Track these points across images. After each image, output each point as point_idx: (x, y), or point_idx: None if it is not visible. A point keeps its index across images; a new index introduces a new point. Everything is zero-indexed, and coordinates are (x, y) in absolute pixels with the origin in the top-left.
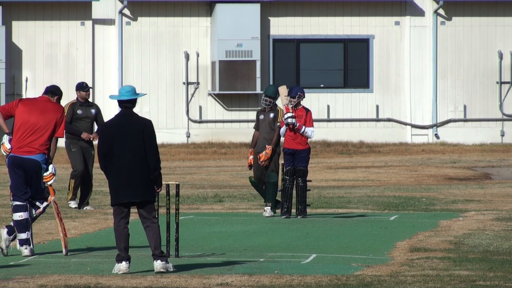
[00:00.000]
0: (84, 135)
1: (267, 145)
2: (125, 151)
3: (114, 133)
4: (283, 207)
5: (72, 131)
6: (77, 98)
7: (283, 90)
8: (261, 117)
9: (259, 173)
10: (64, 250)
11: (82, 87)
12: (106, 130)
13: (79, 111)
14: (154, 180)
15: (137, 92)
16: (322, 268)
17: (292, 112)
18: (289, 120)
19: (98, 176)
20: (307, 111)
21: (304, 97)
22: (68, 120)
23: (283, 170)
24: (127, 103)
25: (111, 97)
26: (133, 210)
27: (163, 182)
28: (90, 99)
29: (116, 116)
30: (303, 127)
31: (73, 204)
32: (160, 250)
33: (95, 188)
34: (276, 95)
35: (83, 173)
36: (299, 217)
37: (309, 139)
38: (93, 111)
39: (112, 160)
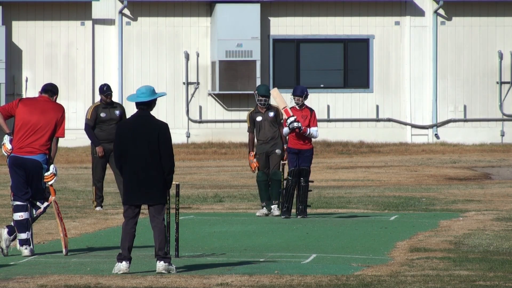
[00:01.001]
0: (99, 149)
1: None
2: (140, 153)
3: (129, 134)
4: (283, 206)
5: (91, 138)
6: (100, 100)
7: (275, 93)
8: (259, 118)
9: (267, 170)
10: (64, 250)
11: (102, 90)
12: (122, 130)
13: (102, 114)
14: (168, 181)
15: (156, 92)
16: (322, 268)
17: (294, 115)
18: (295, 124)
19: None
20: (311, 111)
21: (307, 96)
22: (92, 124)
23: (283, 170)
24: (142, 105)
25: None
26: (143, 209)
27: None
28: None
29: (132, 116)
30: (308, 129)
31: (98, 209)
32: (164, 251)
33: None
34: (269, 92)
35: (102, 178)
36: (299, 217)
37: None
38: (117, 112)
39: (126, 160)
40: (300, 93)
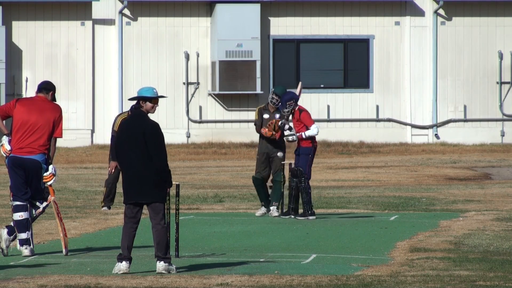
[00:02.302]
0: (112, 165)
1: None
2: (132, 152)
3: (123, 132)
4: (288, 207)
5: (111, 151)
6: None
7: (299, 88)
8: (266, 116)
9: (264, 171)
10: (64, 250)
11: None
12: (119, 128)
13: None
14: (163, 180)
15: (157, 94)
16: (322, 268)
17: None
18: (290, 138)
19: (99, 177)
20: (300, 112)
21: (295, 102)
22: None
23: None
24: (136, 104)
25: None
26: (144, 209)
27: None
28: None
29: (129, 116)
30: (303, 134)
31: (104, 209)
32: (163, 251)
33: (97, 188)
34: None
35: (116, 179)
36: (310, 218)
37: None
38: None
39: (122, 158)
40: (283, 105)
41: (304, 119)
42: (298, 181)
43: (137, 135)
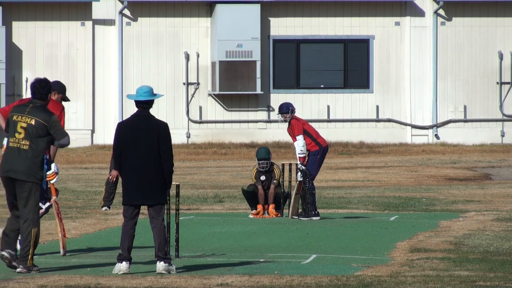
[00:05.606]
0: (114, 173)
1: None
2: (140, 152)
3: (130, 133)
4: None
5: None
6: None
7: None
8: (263, 177)
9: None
10: (62, 250)
11: None
12: (122, 129)
13: None
14: (168, 181)
15: (155, 92)
16: (322, 269)
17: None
18: (300, 177)
19: (99, 177)
20: (293, 120)
21: (294, 111)
22: None
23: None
24: (144, 104)
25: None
26: (143, 209)
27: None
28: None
29: (132, 116)
30: (298, 156)
31: (104, 209)
32: (164, 251)
33: (97, 189)
34: (269, 155)
35: (116, 184)
36: (314, 218)
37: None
38: None
39: (126, 160)
40: (286, 110)
41: (293, 128)
42: (303, 181)
43: (148, 136)
